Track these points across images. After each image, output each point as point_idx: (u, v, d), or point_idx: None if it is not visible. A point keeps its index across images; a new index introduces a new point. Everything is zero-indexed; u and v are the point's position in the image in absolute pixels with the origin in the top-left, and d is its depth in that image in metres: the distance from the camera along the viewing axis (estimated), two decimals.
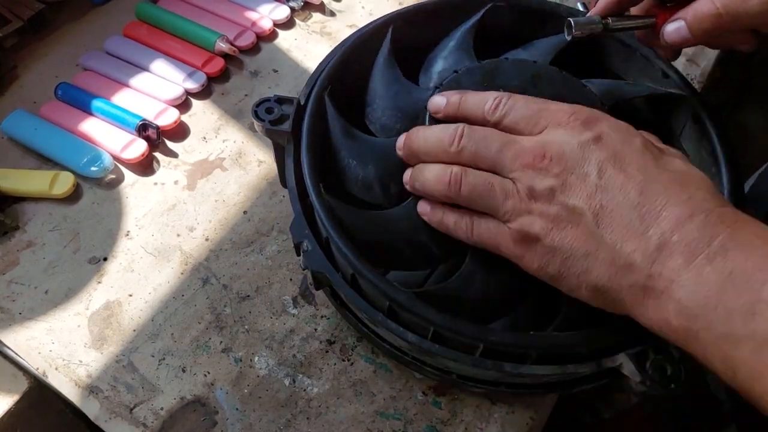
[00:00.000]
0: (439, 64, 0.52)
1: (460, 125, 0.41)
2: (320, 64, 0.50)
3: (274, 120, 0.47)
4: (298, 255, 0.45)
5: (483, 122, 0.41)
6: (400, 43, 0.52)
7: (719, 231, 0.33)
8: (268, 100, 0.48)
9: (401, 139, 0.44)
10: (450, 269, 0.46)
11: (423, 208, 0.43)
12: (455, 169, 0.40)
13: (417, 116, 0.48)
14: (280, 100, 0.48)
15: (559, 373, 0.42)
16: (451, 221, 0.42)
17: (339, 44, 0.52)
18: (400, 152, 0.44)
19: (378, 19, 0.52)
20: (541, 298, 0.43)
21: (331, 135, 0.47)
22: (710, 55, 0.74)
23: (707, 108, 0.49)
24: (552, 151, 0.37)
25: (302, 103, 0.48)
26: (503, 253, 0.40)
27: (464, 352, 0.42)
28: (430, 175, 0.41)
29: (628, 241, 0.34)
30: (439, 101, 0.43)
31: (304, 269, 0.44)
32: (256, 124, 0.47)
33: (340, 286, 0.43)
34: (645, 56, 0.52)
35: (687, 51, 0.74)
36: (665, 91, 0.51)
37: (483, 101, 0.41)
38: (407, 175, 0.44)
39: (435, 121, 0.44)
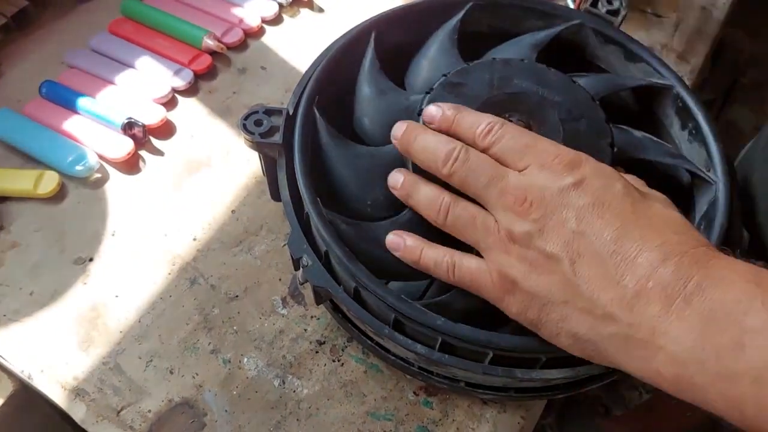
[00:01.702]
0: (425, 67, 0.52)
1: (458, 146, 0.40)
2: (307, 70, 0.50)
3: (264, 132, 0.46)
4: (297, 270, 0.44)
5: (473, 144, 0.41)
6: (384, 46, 0.52)
7: (693, 272, 0.32)
8: (256, 112, 0.47)
9: (399, 129, 0.43)
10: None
11: (396, 244, 0.43)
12: (446, 198, 0.41)
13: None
14: (269, 112, 0.47)
15: (570, 376, 0.41)
16: (430, 262, 0.41)
17: (325, 50, 0.51)
18: (395, 141, 0.43)
19: (362, 23, 0.52)
20: None
21: (321, 146, 0.47)
22: (700, 52, 0.74)
23: (691, 94, 0.49)
24: (533, 195, 0.37)
25: (291, 113, 0.47)
26: (484, 295, 0.40)
27: (473, 360, 0.41)
28: (423, 197, 0.42)
29: (604, 291, 0.34)
30: (434, 112, 0.43)
31: (302, 283, 0.44)
32: (245, 138, 0.46)
33: (344, 300, 0.42)
34: (625, 47, 0.52)
35: (677, 48, 0.74)
36: (650, 81, 0.51)
37: (476, 124, 0.41)
38: (398, 180, 0.43)
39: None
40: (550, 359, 0.41)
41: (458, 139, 0.41)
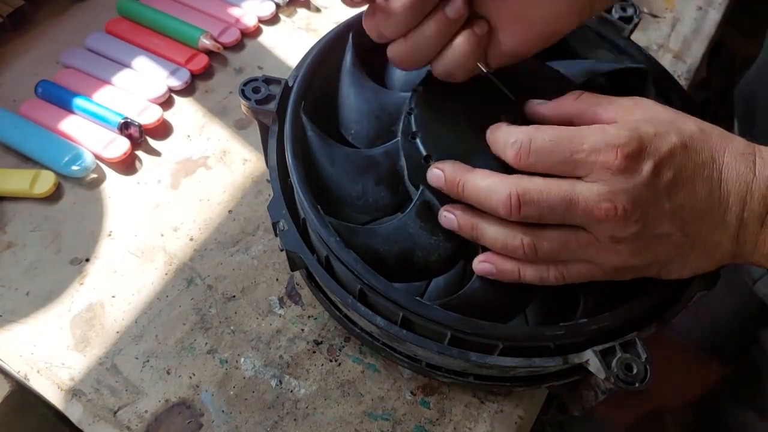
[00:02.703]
0: None
1: (512, 188, 0.38)
2: (311, 48, 0.50)
3: (260, 99, 0.47)
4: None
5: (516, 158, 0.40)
6: (363, 44, 0.52)
7: (765, 190, 0.38)
8: (255, 79, 0.48)
9: (438, 178, 0.41)
10: (448, 278, 0.46)
11: (487, 269, 0.41)
12: (526, 239, 0.39)
13: (390, 120, 0.47)
14: (268, 80, 0.48)
15: (526, 366, 0.41)
16: (535, 279, 0.41)
17: (318, 41, 0.51)
18: (442, 189, 0.41)
19: (338, 26, 0.52)
20: (551, 294, 0.43)
21: (310, 149, 0.47)
22: (696, 53, 0.74)
23: (666, 75, 0.51)
24: (622, 202, 0.37)
25: (290, 84, 0.48)
26: (598, 279, 0.41)
27: (432, 339, 0.42)
28: (493, 242, 0.40)
29: (715, 234, 0.39)
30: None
31: (281, 250, 0.45)
32: (242, 104, 0.47)
33: (314, 267, 0.43)
34: (598, 33, 0.54)
35: (674, 48, 0.74)
36: (626, 65, 0.52)
37: (508, 137, 0.40)
38: (453, 223, 0.42)
39: (417, 117, 0.44)
40: (508, 347, 0.41)
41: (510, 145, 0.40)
